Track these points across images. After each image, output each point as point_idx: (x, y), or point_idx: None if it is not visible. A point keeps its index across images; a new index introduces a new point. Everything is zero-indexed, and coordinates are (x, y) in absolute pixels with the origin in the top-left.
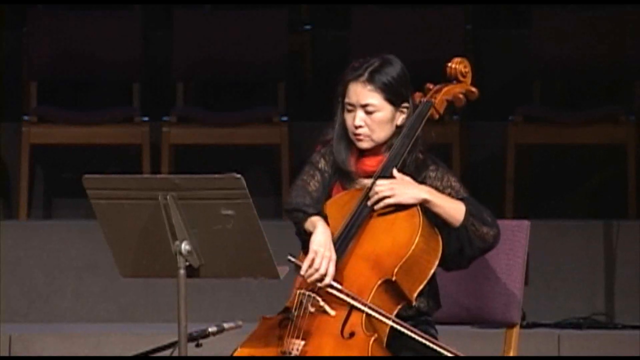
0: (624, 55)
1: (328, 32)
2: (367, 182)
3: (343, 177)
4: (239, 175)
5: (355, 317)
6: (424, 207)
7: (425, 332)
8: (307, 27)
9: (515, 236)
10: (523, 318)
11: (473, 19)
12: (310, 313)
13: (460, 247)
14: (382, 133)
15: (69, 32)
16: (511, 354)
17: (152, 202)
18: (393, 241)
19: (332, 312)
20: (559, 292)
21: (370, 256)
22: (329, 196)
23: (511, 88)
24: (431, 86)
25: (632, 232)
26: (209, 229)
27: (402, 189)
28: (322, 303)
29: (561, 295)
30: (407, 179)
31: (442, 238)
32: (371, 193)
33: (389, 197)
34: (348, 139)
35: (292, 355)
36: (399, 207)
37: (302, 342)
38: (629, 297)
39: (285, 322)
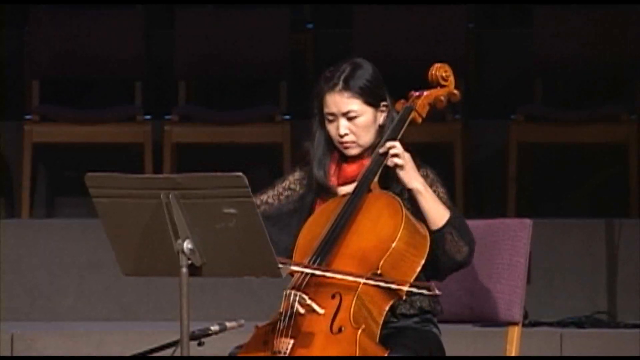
0: (625, 54)
1: (330, 30)
2: (349, 189)
3: (323, 192)
4: (241, 174)
5: (343, 312)
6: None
7: (429, 332)
8: (309, 25)
9: (517, 235)
10: (525, 317)
11: (475, 17)
12: (299, 313)
13: (434, 253)
14: (367, 137)
15: (71, 30)
16: (513, 353)
17: (154, 201)
18: (377, 236)
19: (321, 310)
20: (561, 290)
21: (357, 253)
22: (311, 212)
23: (513, 87)
24: (414, 93)
25: (634, 231)
26: (211, 228)
27: (411, 166)
28: (309, 302)
29: (563, 293)
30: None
31: None
32: (390, 148)
33: (400, 165)
34: (330, 151)
35: (282, 354)
36: (383, 206)
37: (292, 341)
38: (631, 295)
39: (276, 325)
